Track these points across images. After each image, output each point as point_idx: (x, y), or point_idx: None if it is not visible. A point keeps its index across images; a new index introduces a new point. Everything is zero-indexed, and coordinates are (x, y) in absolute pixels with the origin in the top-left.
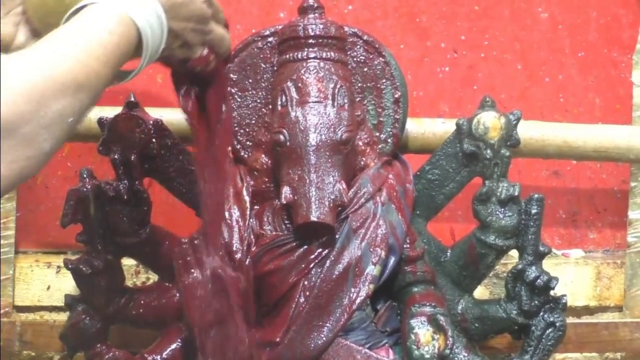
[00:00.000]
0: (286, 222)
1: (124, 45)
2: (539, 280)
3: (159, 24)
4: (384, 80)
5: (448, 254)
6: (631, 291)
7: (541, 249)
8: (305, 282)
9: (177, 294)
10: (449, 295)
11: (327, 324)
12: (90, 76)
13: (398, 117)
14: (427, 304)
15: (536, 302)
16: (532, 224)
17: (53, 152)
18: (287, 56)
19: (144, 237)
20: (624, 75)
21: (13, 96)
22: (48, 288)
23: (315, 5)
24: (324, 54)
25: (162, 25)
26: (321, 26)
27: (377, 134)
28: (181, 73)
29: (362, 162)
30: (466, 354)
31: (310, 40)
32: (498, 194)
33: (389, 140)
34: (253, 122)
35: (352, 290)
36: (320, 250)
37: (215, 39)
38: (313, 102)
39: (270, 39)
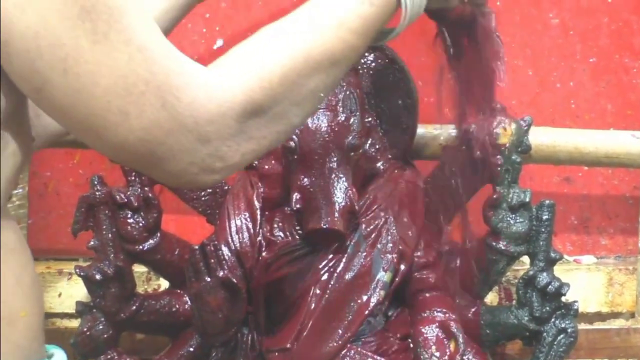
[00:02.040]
0: (297, 228)
1: (383, 15)
2: (550, 287)
3: None
4: (394, 87)
5: (459, 260)
6: None
7: (552, 255)
8: (316, 289)
9: (188, 301)
10: (460, 302)
11: (338, 330)
12: (345, 51)
13: (409, 123)
14: (438, 310)
15: (547, 308)
16: (543, 230)
17: (302, 123)
18: None
19: (155, 244)
20: (635, 80)
21: (269, 78)
22: (59, 295)
23: None
24: None
25: None
26: None
27: (388, 140)
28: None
29: (373, 169)
30: None
31: None
32: (509, 200)
33: (400, 146)
34: None
35: (363, 296)
36: (331, 256)
37: None
38: (323, 108)
39: None
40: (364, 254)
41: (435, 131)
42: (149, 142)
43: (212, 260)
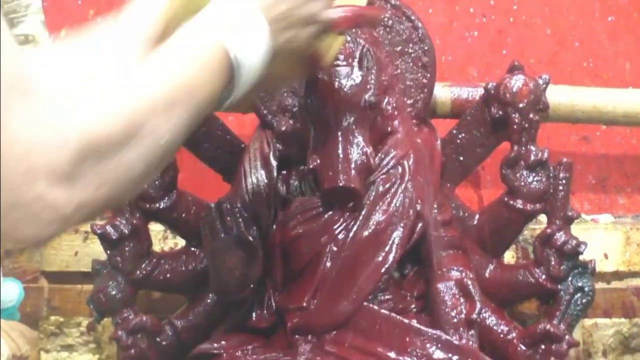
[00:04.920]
0: (313, 186)
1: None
2: (567, 245)
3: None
4: (411, 45)
5: (476, 219)
6: None
7: (569, 213)
8: (333, 247)
9: (204, 259)
10: (476, 260)
11: (354, 289)
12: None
13: (426, 81)
14: (455, 268)
15: (564, 267)
16: (560, 189)
17: (146, 176)
18: None
19: (171, 202)
20: None
21: (113, 121)
22: (76, 254)
23: None
24: None
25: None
26: None
27: (405, 98)
28: None
29: (390, 127)
30: (494, 319)
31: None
32: (526, 159)
33: (417, 105)
34: None
35: (380, 255)
36: (347, 215)
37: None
38: (340, 65)
39: None
40: (381, 212)
41: (453, 89)
42: None
43: (229, 219)
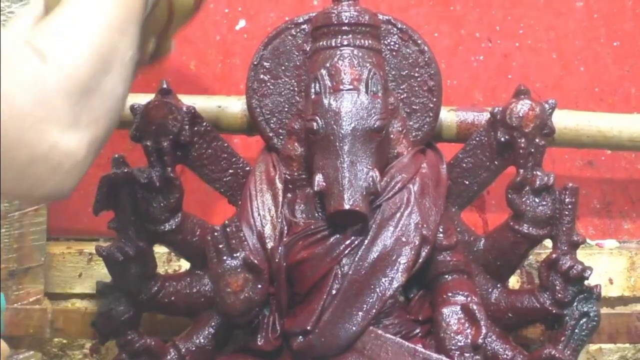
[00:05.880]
0: (319, 210)
1: None
2: (572, 270)
3: None
4: (417, 69)
5: (482, 243)
6: None
7: (575, 238)
8: (338, 271)
9: (209, 282)
10: (482, 285)
11: (360, 313)
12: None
13: (432, 105)
14: (460, 293)
15: (570, 292)
16: (566, 213)
17: (125, 96)
18: (321, 44)
19: (176, 225)
20: None
21: (88, 52)
22: (80, 275)
23: None
24: (358, 42)
25: None
26: (355, 13)
27: (411, 122)
28: None
29: (396, 151)
30: (499, 344)
31: (344, 28)
32: (532, 183)
33: (423, 128)
34: (286, 110)
35: (385, 279)
36: (353, 238)
37: None
38: (346, 89)
39: (303, 27)
40: (387, 236)
41: (459, 113)
42: None
43: (234, 241)
